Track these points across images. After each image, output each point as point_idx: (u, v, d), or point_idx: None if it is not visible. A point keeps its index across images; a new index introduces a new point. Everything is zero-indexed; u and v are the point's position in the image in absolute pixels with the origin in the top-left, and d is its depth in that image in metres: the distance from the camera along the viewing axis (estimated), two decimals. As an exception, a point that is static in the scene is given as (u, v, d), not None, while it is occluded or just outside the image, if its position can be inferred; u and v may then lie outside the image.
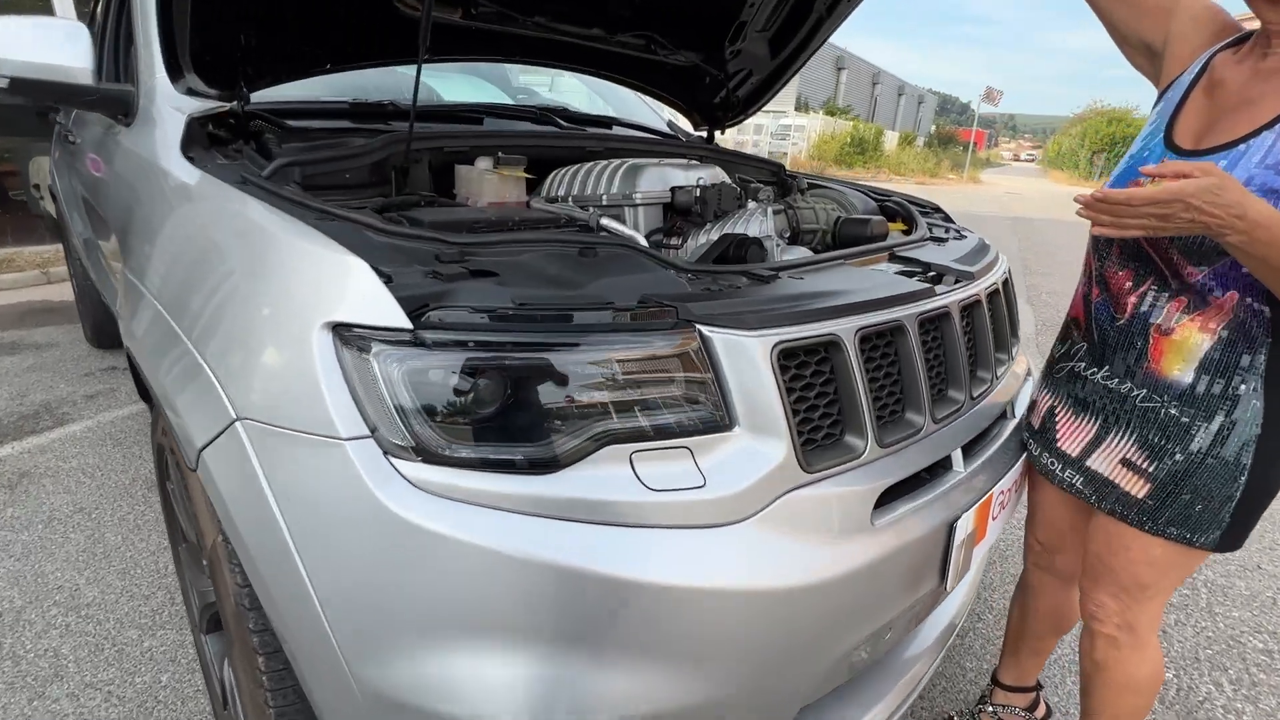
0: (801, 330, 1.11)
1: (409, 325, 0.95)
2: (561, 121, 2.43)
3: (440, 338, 0.95)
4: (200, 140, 1.71)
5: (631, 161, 1.94)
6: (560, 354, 0.98)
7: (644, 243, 1.58)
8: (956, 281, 1.54)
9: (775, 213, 1.94)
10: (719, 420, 1.06)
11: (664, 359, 1.03)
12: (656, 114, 3.38)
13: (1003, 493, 1.47)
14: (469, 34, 2.07)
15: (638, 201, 1.83)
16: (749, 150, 21.94)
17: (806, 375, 1.14)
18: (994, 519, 1.45)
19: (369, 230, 1.20)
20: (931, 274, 1.57)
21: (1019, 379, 1.87)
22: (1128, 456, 1.23)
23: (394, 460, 0.95)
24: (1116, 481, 1.26)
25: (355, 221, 1.21)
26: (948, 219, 2.52)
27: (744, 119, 3.23)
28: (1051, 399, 1.43)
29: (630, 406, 1.01)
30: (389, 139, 1.75)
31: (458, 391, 0.96)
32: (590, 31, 2.33)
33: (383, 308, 0.96)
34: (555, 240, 1.22)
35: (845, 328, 1.16)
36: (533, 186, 2.12)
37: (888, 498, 1.20)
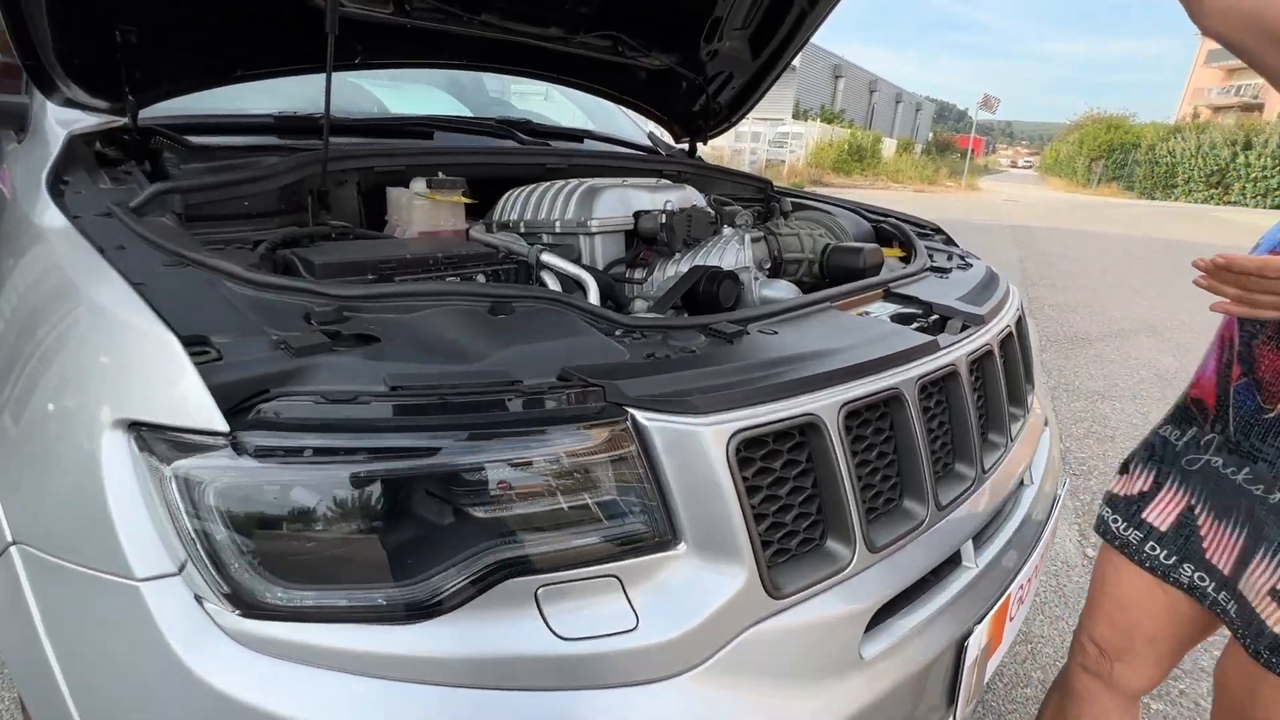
0: (770, 411, 0.86)
1: (223, 427, 0.69)
2: (522, 135, 2.18)
3: (268, 442, 0.70)
4: (85, 161, 1.46)
5: (589, 183, 1.69)
6: (440, 458, 0.72)
7: (590, 285, 1.33)
8: (964, 328, 1.29)
9: (754, 240, 1.69)
10: (658, 537, 0.80)
11: (584, 458, 0.78)
12: (638, 126, 3.13)
13: (1022, 586, 1.22)
14: (406, 35, 1.83)
15: (593, 230, 1.58)
16: (746, 159, 21.84)
17: (776, 468, 0.89)
18: (1011, 619, 1.20)
19: (230, 281, 0.95)
20: (934, 318, 1.32)
21: (1037, 431, 1.62)
22: (1277, 587, 0.96)
23: (208, 608, 0.70)
24: (1263, 616, 0.97)
25: (213, 269, 0.96)
26: (950, 242, 2.28)
27: (727, 128, 2.98)
28: (1186, 494, 1.13)
29: (536, 525, 0.76)
30: (301, 159, 1.51)
31: (294, 515, 0.70)
32: (547, 32, 2.08)
33: (192, 400, 0.70)
34: (462, 294, 0.97)
35: (827, 404, 0.91)
36: (485, 210, 1.87)
37: (881, 616, 0.95)
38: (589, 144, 2.61)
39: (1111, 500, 1.23)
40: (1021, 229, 14.82)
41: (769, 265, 1.72)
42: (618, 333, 0.97)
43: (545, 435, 0.76)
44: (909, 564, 1.00)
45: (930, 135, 56.33)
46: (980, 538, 1.18)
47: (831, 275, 1.74)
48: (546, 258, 1.33)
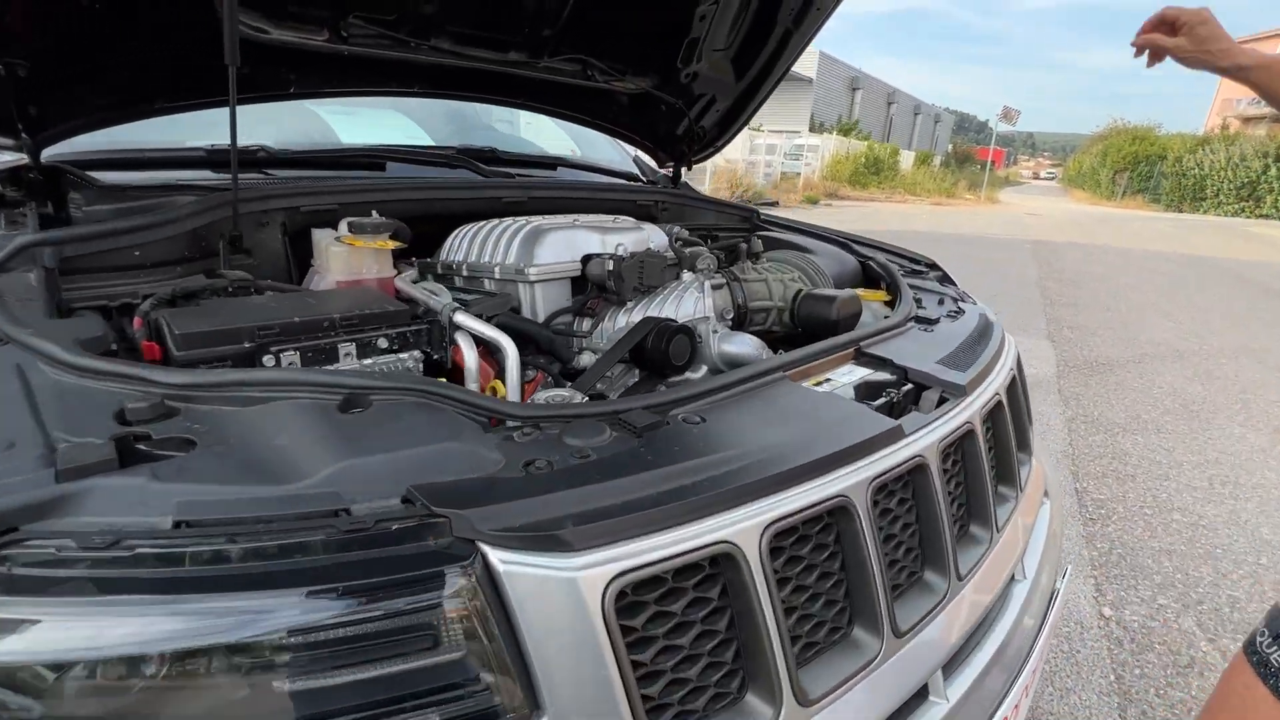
0: (667, 542, 0.69)
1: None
2: (481, 166, 2.04)
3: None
4: (-21, 201, 1.34)
5: (533, 223, 1.54)
6: (200, 638, 0.56)
7: (507, 353, 1.17)
8: (940, 401, 1.11)
9: (716, 287, 1.52)
10: (511, 712, 0.63)
11: (415, 615, 0.61)
12: (624, 152, 2.98)
13: (1014, 708, 1.03)
14: (347, 63, 1.70)
15: (532, 277, 1.42)
16: (761, 172, 21.67)
17: (676, 611, 0.71)
18: (997, 756, 1.00)
19: (46, 364, 0.81)
20: (907, 388, 1.13)
21: (1034, 506, 1.42)
22: None
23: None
24: None
25: (28, 348, 0.82)
26: (946, 280, 2.09)
27: (713, 152, 2.82)
28: None
29: (340, 708, 0.59)
30: (209, 201, 1.37)
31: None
32: (507, 57, 1.95)
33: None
34: (306, 384, 0.81)
35: (746, 527, 0.74)
36: (432, 248, 1.73)
37: (816, 790, 0.77)
38: (562, 173, 2.46)
39: (1273, 618, 1.04)
40: (1042, 244, 14.45)
41: (731, 315, 1.55)
42: (501, 430, 0.81)
43: (357, 590, 0.59)
44: (857, 713, 0.81)
45: (949, 147, 55.73)
46: (955, 661, 0.99)
47: (803, 325, 1.56)
48: (460, 318, 1.17)
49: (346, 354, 1.08)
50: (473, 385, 1.17)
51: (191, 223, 1.34)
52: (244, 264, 1.50)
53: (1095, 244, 15.17)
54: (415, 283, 1.46)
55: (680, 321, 1.43)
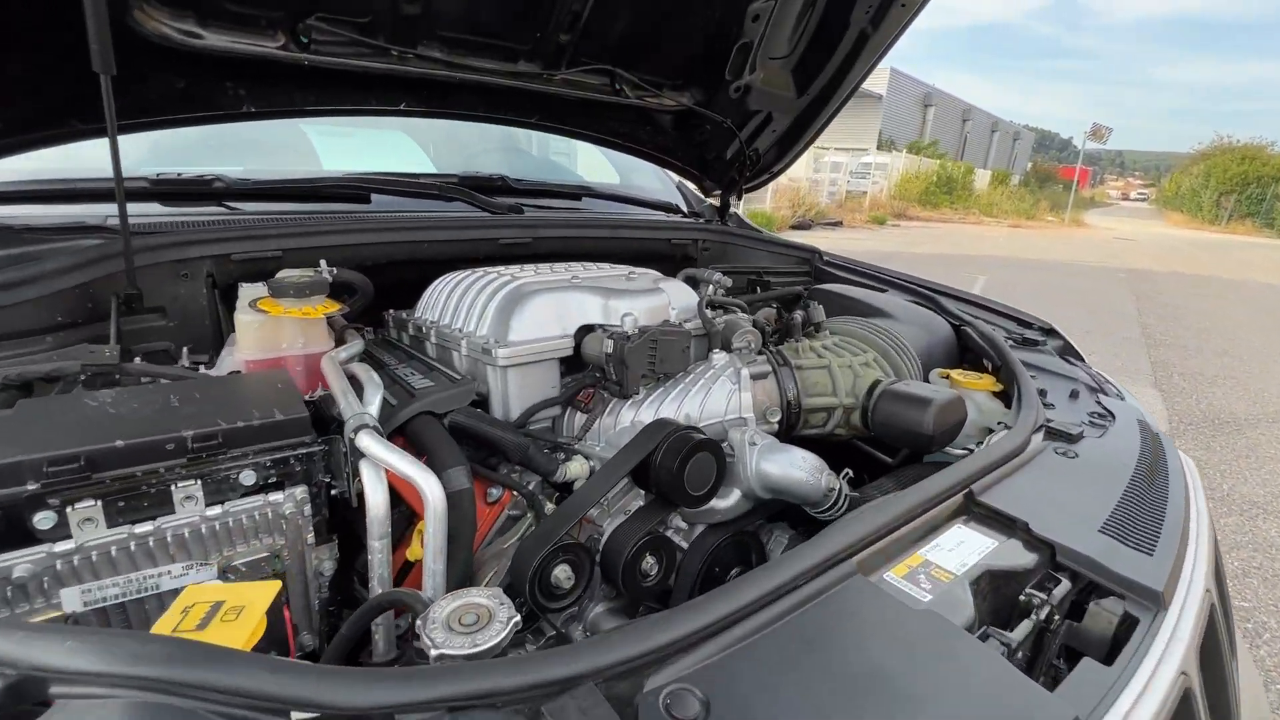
0: None
1: None
2: (482, 198, 1.70)
3: None
4: None
5: (516, 281, 1.17)
6: None
7: (430, 502, 0.79)
8: (1124, 621, 0.65)
9: (758, 376, 1.11)
10: None
11: None
12: (666, 179, 2.60)
13: None
14: (310, 75, 1.39)
15: (501, 361, 1.04)
16: (825, 190, 20.91)
17: None
18: None
19: None
20: (1061, 590, 0.69)
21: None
22: None
23: None
24: None
25: None
26: (1069, 352, 1.59)
27: (769, 179, 2.40)
28: None
29: None
30: (89, 251, 1.06)
31: None
32: (515, 68, 1.60)
33: None
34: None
35: None
36: (415, 299, 1.39)
37: None
38: (589, 205, 2.10)
39: None
40: (1138, 273, 13.17)
41: (779, 418, 1.12)
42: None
43: None
44: None
45: (1029, 165, 52.94)
46: None
47: (882, 433, 1.12)
48: (365, 441, 0.80)
49: (187, 497, 0.72)
50: (379, 541, 0.79)
51: (67, 279, 1.04)
52: (155, 328, 1.20)
53: (1200, 274, 13.73)
54: (357, 359, 1.11)
55: (705, 426, 1.02)
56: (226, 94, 1.33)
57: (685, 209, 2.31)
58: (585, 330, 1.14)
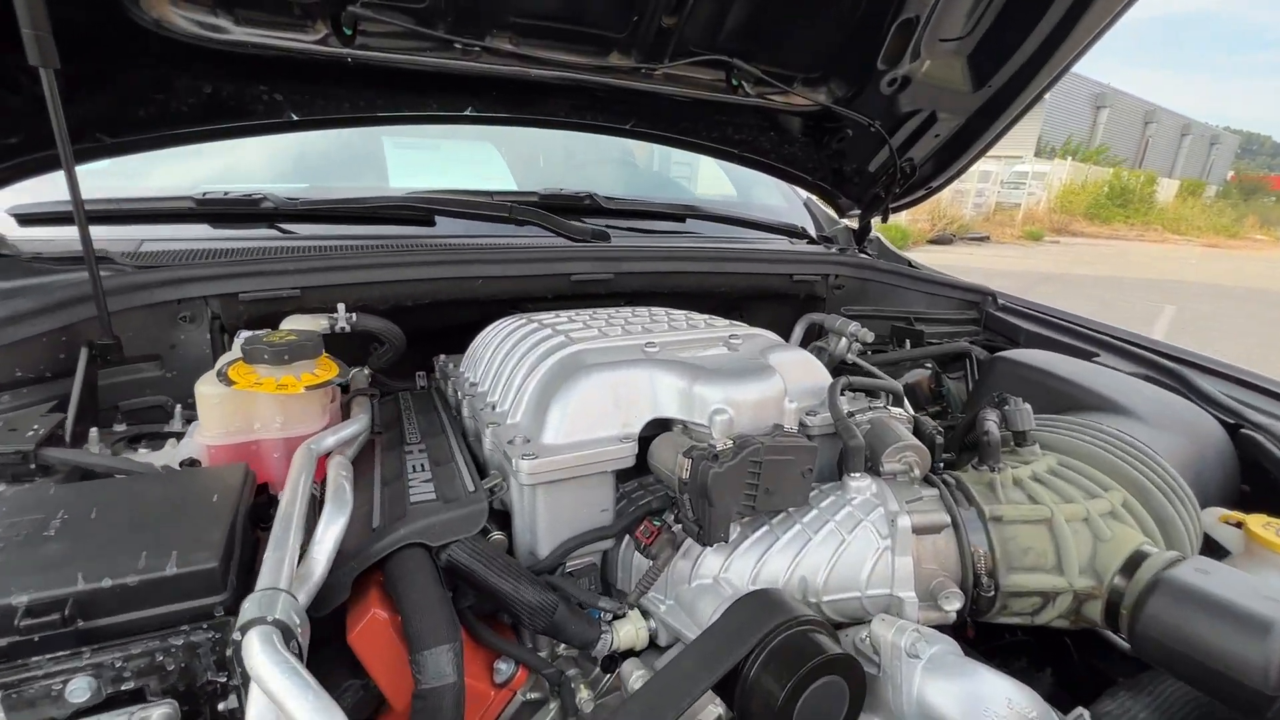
0: None
1: None
2: (558, 220, 1.40)
3: None
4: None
5: (562, 353, 0.84)
6: None
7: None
8: None
9: (928, 529, 0.69)
10: None
11: None
12: (791, 195, 2.17)
13: None
14: (357, 74, 1.16)
15: (525, 477, 0.71)
16: (970, 201, 18.98)
17: None
18: None
19: None
20: None
21: None
22: None
23: None
24: None
25: None
26: None
27: (925, 196, 1.92)
28: None
29: None
30: (60, 292, 0.87)
31: None
32: (607, 61, 1.28)
33: None
34: None
35: None
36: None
37: None
38: (694, 226, 1.74)
39: None
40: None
41: (959, 604, 0.69)
42: None
43: None
44: None
45: (1229, 175, 45.40)
46: None
47: (1149, 654, 0.65)
48: (253, 651, 0.48)
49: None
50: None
51: (28, 326, 0.85)
52: (149, 380, 0.99)
53: None
54: (350, 448, 0.82)
55: (833, 603, 0.62)
56: (262, 100, 1.13)
57: (814, 232, 1.88)
58: (657, 425, 0.79)
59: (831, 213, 2.03)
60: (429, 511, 0.72)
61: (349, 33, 1.09)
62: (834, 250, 1.72)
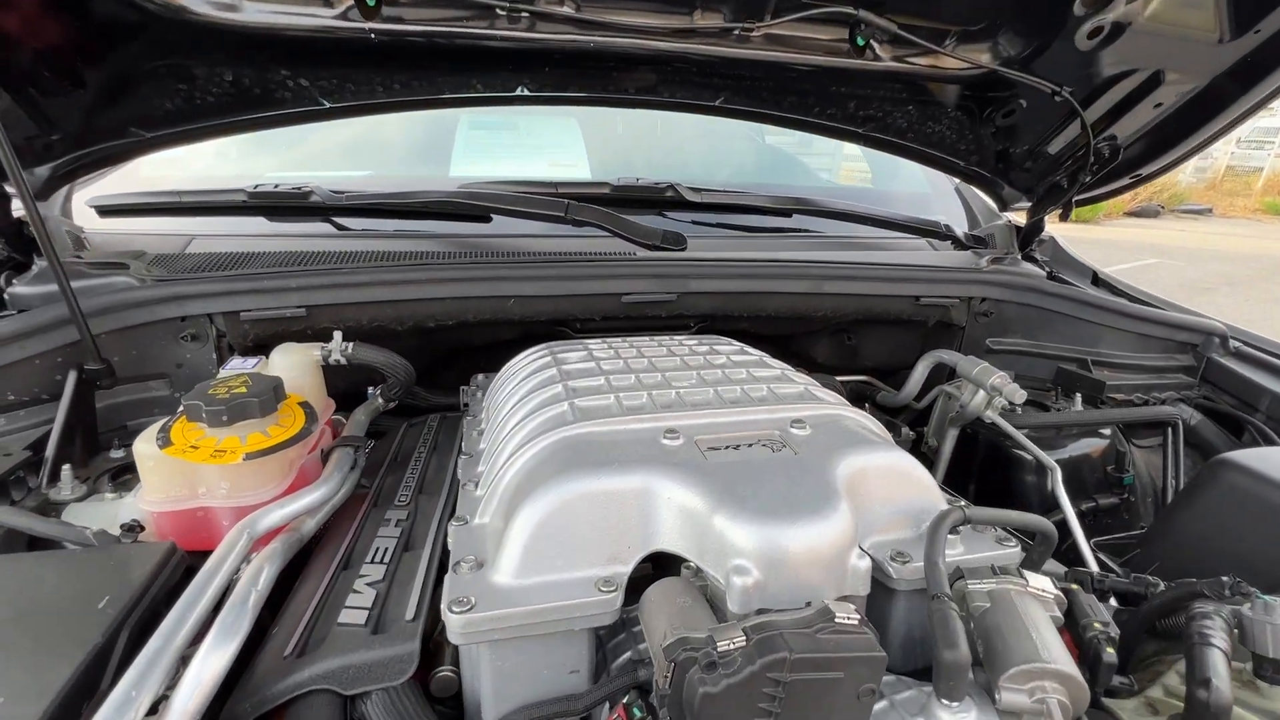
0: None
1: None
2: (623, 221, 1.16)
3: None
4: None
5: (551, 440, 0.63)
6: None
7: None
8: None
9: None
10: None
11: None
12: (941, 183, 1.75)
13: None
14: (380, 54, 0.99)
15: (456, 634, 0.52)
16: (1191, 161, 15.43)
17: None
18: None
19: None
20: None
21: None
22: None
23: None
24: None
25: None
26: None
27: (1129, 186, 1.43)
28: None
29: None
30: (32, 319, 0.80)
31: None
32: (693, 21, 1.01)
33: None
34: None
35: None
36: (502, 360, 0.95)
37: None
38: (804, 223, 1.42)
39: None
40: None
41: None
42: None
43: None
44: None
45: None
46: None
47: None
48: None
49: None
50: None
51: (15, 350, 0.79)
52: (160, 399, 0.93)
53: None
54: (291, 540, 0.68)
55: None
56: (286, 87, 1.00)
57: (963, 230, 1.48)
58: (656, 561, 0.56)
59: (990, 203, 1.60)
60: (348, 645, 0.56)
61: (372, 3, 0.92)
62: (984, 261, 1.32)
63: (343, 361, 0.86)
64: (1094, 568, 0.82)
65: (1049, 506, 1.02)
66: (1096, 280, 1.51)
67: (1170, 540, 0.80)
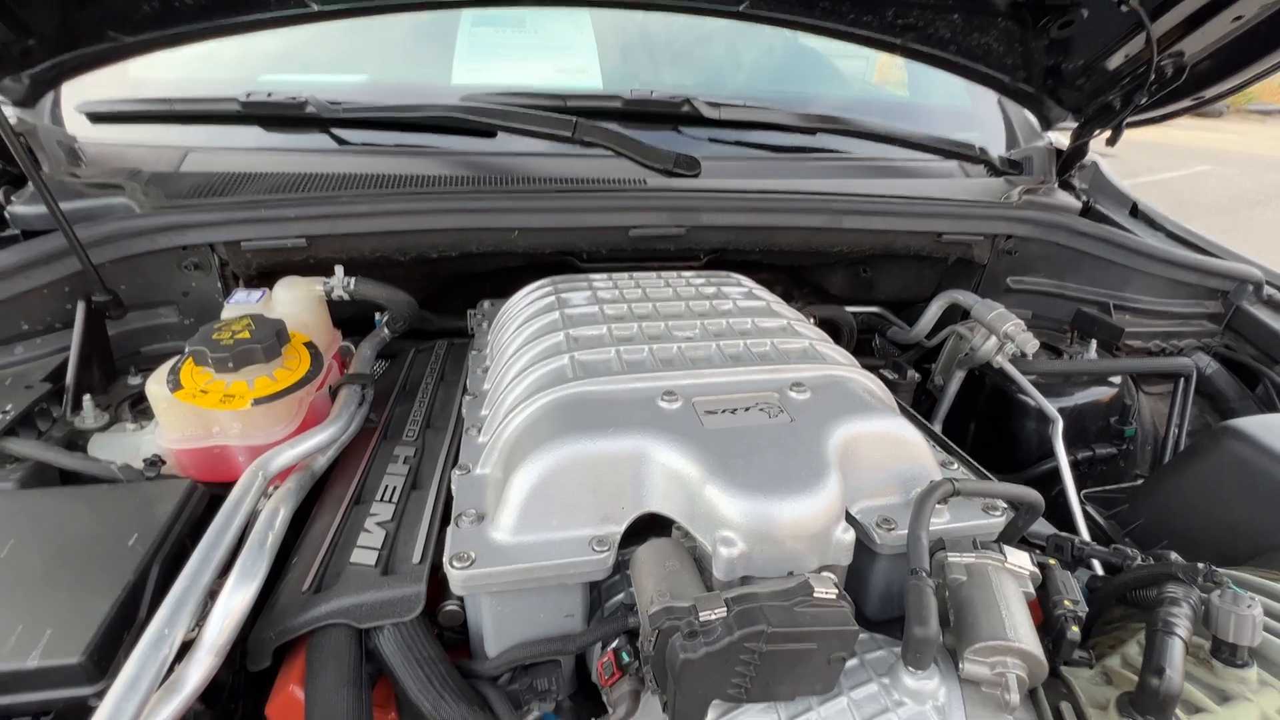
0: None
1: None
2: (634, 143, 1.10)
3: None
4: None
5: (551, 398, 0.63)
6: None
7: None
8: None
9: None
10: None
11: None
12: (982, 98, 1.60)
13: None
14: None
15: (458, 585, 0.55)
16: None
17: None
18: None
19: None
20: None
21: None
22: None
23: None
24: None
25: None
26: None
27: (1190, 107, 1.32)
28: None
29: None
30: (30, 249, 0.80)
31: None
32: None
33: None
34: None
35: None
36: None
37: None
38: (828, 142, 1.33)
39: None
40: None
41: None
42: None
43: None
44: None
45: None
46: None
47: None
48: None
49: None
50: None
51: (22, 280, 0.79)
52: (169, 326, 0.94)
53: None
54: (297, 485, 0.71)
55: None
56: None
57: (997, 155, 1.38)
58: (651, 522, 0.58)
59: (1033, 120, 1.48)
60: (361, 584, 0.60)
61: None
62: (1016, 193, 1.24)
63: (345, 297, 0.86)
64: (1081, 523, 0.84)
65: (1046, 453, 1.04)
66: (1135, 212, 1.43)
67: (1161, 499, 0.82)
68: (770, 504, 0.53)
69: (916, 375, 1.07)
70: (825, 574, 0.53)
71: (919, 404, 1.21)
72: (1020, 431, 1.07)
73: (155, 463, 0.71)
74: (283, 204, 0.89)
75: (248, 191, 0.97)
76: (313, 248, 0.92)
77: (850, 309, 1.34)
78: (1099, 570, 0.68)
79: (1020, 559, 0.55)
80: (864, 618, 0.66)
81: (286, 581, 0.63)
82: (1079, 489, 0.90)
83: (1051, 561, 0.57)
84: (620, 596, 0.62)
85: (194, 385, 0.68)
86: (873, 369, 1.11)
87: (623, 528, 0.58)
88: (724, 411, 0.63)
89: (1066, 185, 1.43)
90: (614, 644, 0.58)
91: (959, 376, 1.13)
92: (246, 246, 0.89)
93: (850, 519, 0.61)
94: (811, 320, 0.95)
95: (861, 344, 1.39)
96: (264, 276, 0.93)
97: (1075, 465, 0.98)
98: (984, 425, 1.15)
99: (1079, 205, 1.34)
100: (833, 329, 1.37)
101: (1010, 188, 1.29)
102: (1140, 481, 0.97)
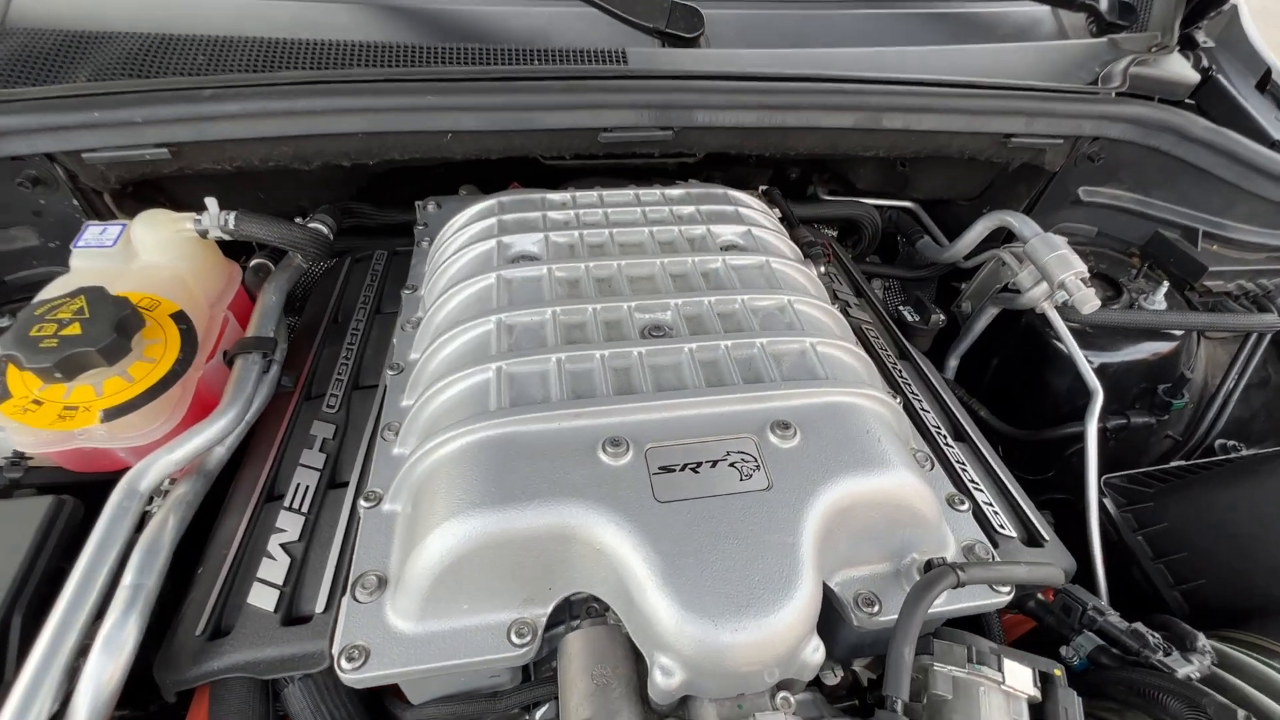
0: None
1: None
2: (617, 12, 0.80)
3: None
4: None
5: (468, 440, 0.50)
6: None
7: None
8: None
9: None
10: None
11: None
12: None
13: None
14: None
15: (346, 676, 0.47)
16: None
17: None
18: None
19: None
20: None
21: None
22: None
23: None
24: None
25: None
26: None
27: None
28: None
29: None
30: None
31: None
32: None
33: None
34: None
35: None
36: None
37: None
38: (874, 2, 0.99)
39: None
40: None
41: None
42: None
43: None
44: None
45: None
46: None
47: None
48: None
49: None
50: None
51: None
52: (32, 249, 0.77)
53: None
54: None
55: None
56: None
57: (1099, 23, 1.03)
58: (569, 608, 0.49)
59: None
60: (258, 635, 0.53)
61: None
62: (1121, 66, 0.93)
63: (224, 237, 0.67)
64: (1094, 522, 0.74)
65: (1072, 415, 0.91)
66: (1264, 84, 1.11)
67: (1197, 512, 0.71)
68: (723, 632, 0.42)
69: (941, 318, 0.90)
70: (782, 697, 0.44)
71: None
72: (1049, 385, 0.93)
73: (17, 462, 0.60)
74: (123, 101, 0.66)
75: (94, 62, 0.73)
76: (182, 157, 0.70)
77: (880, 202, 1.12)
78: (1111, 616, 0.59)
79: (1020, 678, 0.46)
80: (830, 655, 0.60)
81: (182, 617, 0.56)
82: (1099, 469, 0.79)
83: (1057, 672, 0.48)
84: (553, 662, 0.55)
85: (25, 392, 0.54)
86: (892, 311, 0.94)
87: (549, 610, 0.49)
88: (684, 468, 0.49)
89: (1188, 41, 1.09)
90: (544, 709, 0.53)
91: (991, 313, 0.96)
92: (90, 159, 0.68)
93: (827, 589, 0.51)
94: (827, 260, 0.77)
95: (887, 241, 1.18)
96: (134, 195, 0.74)
97: (1103, 433, 0.86)
98: (1008, 365, 1.01)
99: (1195, 79, 1.03)
100: (854, 227, 1.16)
101: (1114, 54, 0.97)
102: (1172, 464, 0.86)
